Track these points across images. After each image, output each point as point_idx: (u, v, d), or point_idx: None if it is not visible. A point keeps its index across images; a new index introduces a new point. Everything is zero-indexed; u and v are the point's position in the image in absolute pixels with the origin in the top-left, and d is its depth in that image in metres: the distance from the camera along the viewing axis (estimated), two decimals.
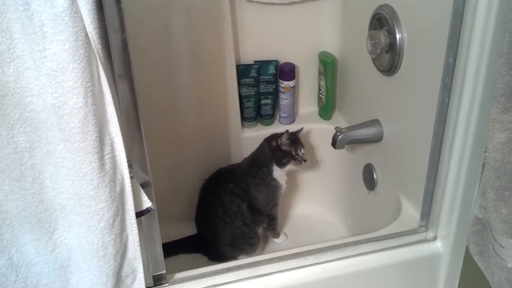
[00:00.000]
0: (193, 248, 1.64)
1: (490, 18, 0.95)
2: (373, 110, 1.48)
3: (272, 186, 1.56)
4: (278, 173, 1.55)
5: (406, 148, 1.32)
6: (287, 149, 1.52)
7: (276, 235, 1.68)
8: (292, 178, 1.69)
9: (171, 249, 1.54)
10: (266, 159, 1.55)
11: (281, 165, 1.54)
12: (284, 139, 1.52)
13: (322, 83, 1.75)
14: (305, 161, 1.55)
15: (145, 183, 0.99)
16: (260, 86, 1.73)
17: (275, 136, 1.56)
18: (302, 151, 1.55)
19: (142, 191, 0.98)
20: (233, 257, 1.58)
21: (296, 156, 1.53)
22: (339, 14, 1.68)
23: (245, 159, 1.64)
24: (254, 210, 1.56)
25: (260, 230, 1.61)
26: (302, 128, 1.59)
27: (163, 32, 1.51)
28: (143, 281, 1.03)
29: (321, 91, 1.78)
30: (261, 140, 1.63)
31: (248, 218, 1.57)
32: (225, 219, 1.56)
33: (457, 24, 1.01)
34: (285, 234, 1.71)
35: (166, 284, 1.12)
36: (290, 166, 1.55)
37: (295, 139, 1.55)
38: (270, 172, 1.55)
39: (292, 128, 1.64)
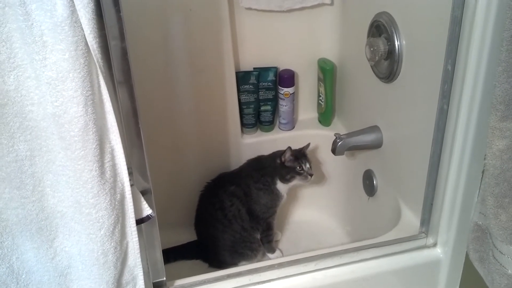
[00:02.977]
0: (193, 254, 1.64)
1: (488, 26, 0.95)
2: (373, 117, 1.49)
3: (274, 194, 1.56)
4: (281, 186, 1.56)
5: (405, 155, 1.32)
6: (291, 165, 1.52)
7: (271, 250, 1.64)
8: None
9: (171, 255, 1.54)
10: (271, 172, 1.55)
11: (285, 181, 1.54)
12: (287, 155, 1.51)
13: (322, 89, 1.75)
14: (311, 175, 1.54)
15: (145, 191, 0.99)
16: (260, 92, 1.73)
17: (281, 153, 1.54)
18: (308, 165, 1.54)
19: (142, 199, 0.98)
20: (234, 264, 1.57)
21: (301, 171, 1.52)
22: (338, 21, 1.68)
23: (250, 161, 1.64)
24: (251, 215, 1.56)
25: (258, 236, 1.61)
26: (309, 144, 1.59)
27: (162, 40, 1.51)
28: None
29: (320, 98, 1.78)
30: (260, 147, 1.64)
31: (247, 222, 1.57)
32: (224, 223, 1.55)
33: (456, 31, 1.01)
34: (281, 251, 1.68)
35: None
36: (295, 182, 1.54)
37: (300, 154, 1.55)
38: (273, 183, 1.55)
39: (293, 134, 1.66)
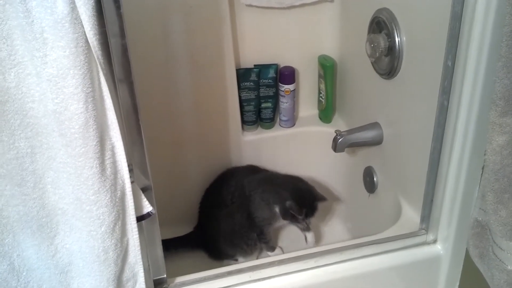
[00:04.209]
0: (193, 244, 1.63)
1: (488, 21, 0.95)
2: (373, 113, 1.48)
3: (273, 213, 1.50)
4: None
5: (406, 151, 1.32)
6: (295, 214, 1.43)
7: (270, 249, 1.60)
8: None
9: (171, 245, 1.53)
10: (274, 199, 1.49)
11: (284, 218, 1.47)
12: (296, 210, 1.42)
13: (322, 86, 1.75)
14: (308, 230, 1.48)
15: (146, 188, 0.99)
16: (260, 89, 1.73)
17: (293, 206, 1.42)
18: (310, 220, 1.46)
19: (143, 196, 0.98)
20: (232, 255, 1.58)
21: (302, 224, 1.46)
22: (338, 18, 1.68)
23: (263, 175, 1.63)
24: (249, 216, 1.54)
25: (255, 235, 1.59)
26: (327, 199, 1.50)
27: (162, 37, 1.51)
28: (144, 285, 1.03)
29: (321, 95, 1.78)
30: (261, 144, 1.64)
31: (246, 219, 1.55)
32: (229, 210, 1.56)
33: (456, 27, 1.01)
34: (281, 249, 1.64)
35: None
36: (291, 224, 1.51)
37: (311, 208, 1.45)
38: (272, 207, 1.50)
39: (293, 131, 1.65)
